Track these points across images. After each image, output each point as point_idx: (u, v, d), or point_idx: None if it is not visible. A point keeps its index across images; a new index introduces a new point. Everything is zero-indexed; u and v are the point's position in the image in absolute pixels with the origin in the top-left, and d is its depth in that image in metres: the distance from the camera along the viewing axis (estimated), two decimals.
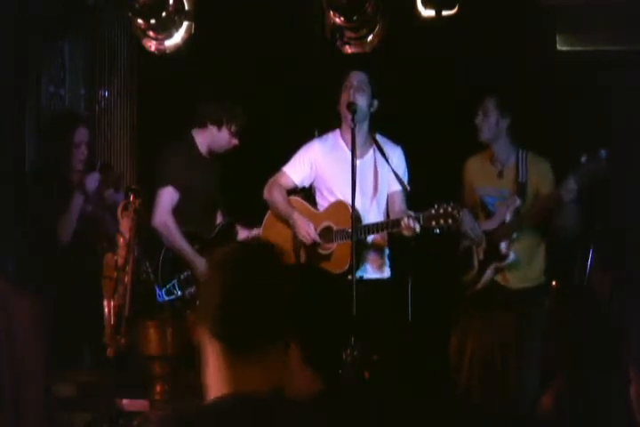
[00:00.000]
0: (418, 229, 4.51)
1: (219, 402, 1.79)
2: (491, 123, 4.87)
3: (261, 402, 1.76)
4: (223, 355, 1.79)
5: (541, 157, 4.93)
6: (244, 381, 1.78)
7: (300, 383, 1.82)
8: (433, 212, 4.46)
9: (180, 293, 5.03)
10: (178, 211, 5.04)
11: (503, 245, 4.83)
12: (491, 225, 4.89)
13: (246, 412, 1.75)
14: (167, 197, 5.00)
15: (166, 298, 5.00)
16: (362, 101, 4.75)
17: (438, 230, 4.50)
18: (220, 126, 5.04)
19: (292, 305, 1.83)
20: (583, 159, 4.54)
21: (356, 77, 4.80)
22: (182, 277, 5.04)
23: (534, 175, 4.86)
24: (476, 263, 4.92)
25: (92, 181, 5.02)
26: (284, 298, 1.83)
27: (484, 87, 4.97)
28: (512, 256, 4.82)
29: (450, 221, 4.43)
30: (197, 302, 1.85)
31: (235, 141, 5.09)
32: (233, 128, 5.04)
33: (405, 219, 4.53)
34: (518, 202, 4.82)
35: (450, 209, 4.43)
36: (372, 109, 4.84)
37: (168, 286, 5.02)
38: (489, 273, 4.86)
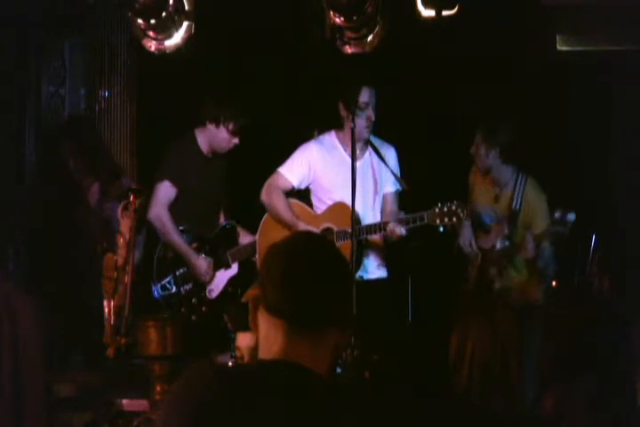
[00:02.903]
0: (404, 232, 4.56)
1: (261, 361, 1.84)
2: (481, 155, 4.88)
3: (302, 370, 1.79)
4: (282, 332, 1.82)
5: (539, 189, 4.89)
6: (294, 355, 1.81)
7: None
8: (437, 210, 4.49)
9: (174, 289, 5.06)
10: (176, 207, 5.06)
11: (493, 272, 4.84)
12: (486, 244, 4.90)
13: (283, 374, 1.78)
14: (163, 191, 5.02)
15: (161, 294, 5.02)
16: (373, 118, 4.78)
17: (442, 229, 4.54)
18: (217, 124, 5.04)
19: (351, 292, 1.90)
20: (556, 216, 4.54)
21: (373, 96, 4.79)
22: (178, 273, 5.06)
23: (528, 208, 4.85)
24: (472, 279, 4.93)
25: (93, 193, 5.12)
26: (348, 282, 1.91)
27: (470, 122, 4.96)
28: (497, 285, 4.84)
29: (454, 219, 4.47)
30: (259, 280, 1.88)
31: (235, 141, 5.07)
32: (231, 126, 5.03)
33: (391, 223, 4.58)
34: (505, 231, 4.81)
35: (454, 207, 4.47)
36: None
37: (163, 282, 5.04)
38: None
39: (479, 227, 4.97)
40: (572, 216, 4.49)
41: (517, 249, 4.73)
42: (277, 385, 1.76)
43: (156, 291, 5.02)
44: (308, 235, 2.11)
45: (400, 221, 4.60)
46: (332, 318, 1.84)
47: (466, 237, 4.81)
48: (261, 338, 1.87)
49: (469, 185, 5.10)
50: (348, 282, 1.93)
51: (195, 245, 5.12)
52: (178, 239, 5.04)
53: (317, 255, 1.88)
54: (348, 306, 1.88)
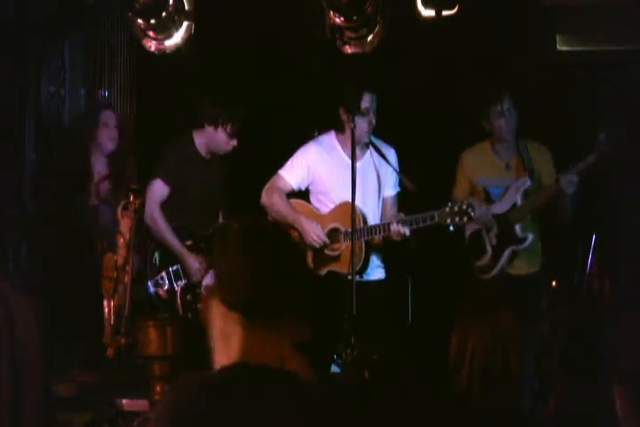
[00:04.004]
0: (407, 233, 4.57)
1: (225, 370, 1.81)
2: (514, 122, 4.89)
3: (269, 372, 1.78)
4: (238, 324, 1.81)
5: (541, 145, 4.97)
6: (256, 349, 1.80)
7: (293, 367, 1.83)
8: (447, 209, 4.51)
9: (167, 285, 5.07)
10: (172, 206, 5.08)
11: (518, 228, 4.84)
12: (500, 208, 4.88)
13: (252, 381, 1.77)
14: (155, 189, 5.04)
15: (154, 289, 5.03)
16: (374, 122, 4.78)
17: (452, 227, 4.56)
18: (216, 126, 5.04)
19: (306, 279, 1.91)
20: (600, 138, 4.63)
21: (373, 101, 4.79)
22: (171, 270, 5.07)
23: (537, 163, 4.91)
24: (489, 248, 4.90)
25: (104, 190, 5.13)
26: (300, 269, 1.91)
27: (497, 87, 4.97)
28: (530, 238, 4.84)
29: (465, 218, 4.49)
30: (215, 273, 1.87)
31: (233, 143, 5.08)
32: (229, 129, 5.03)
33: (394, 224, 4.59)
34: (528, 183, 4.85)
35: (464, 207, 4.49)
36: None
37: (156, 278, 5.06)
38: (506, 257, 4.86)
39: (484, 201, 4.96)
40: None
41: (554, 186, 4.73)
42: (242, 391, 1.75)
43: (150, 287, 5.05)
44: (261, 226, 2.12)
45: (409, 221, 4.60)
46: (286, 305, 1.82)
47: (477, 209, 4.79)
48: (217, 333, 1.85)
49: (462, 165, 5.07)
50: (301, 270, 1.93)
51: (189, 242, 5.14)
52: (170, 237, 5.05)
53: (271, 245, 1.87)
54: (301, 293, 1.87)
